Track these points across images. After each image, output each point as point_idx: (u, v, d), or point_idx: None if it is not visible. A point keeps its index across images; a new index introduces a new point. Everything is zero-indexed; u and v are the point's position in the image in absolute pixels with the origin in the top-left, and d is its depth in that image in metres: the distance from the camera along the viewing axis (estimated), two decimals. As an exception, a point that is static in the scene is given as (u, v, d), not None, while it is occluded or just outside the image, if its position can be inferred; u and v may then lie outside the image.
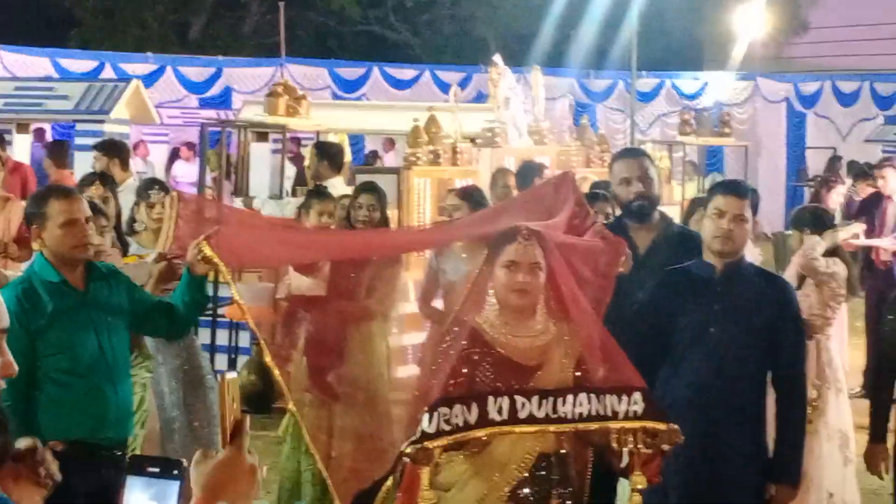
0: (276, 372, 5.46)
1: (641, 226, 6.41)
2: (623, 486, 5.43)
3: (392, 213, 12.24)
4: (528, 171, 11.16)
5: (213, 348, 10.82)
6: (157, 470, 2.54)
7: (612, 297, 5.30)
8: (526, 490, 4.70)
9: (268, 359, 5.42)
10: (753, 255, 16.09)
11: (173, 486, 2.51)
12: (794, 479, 5.84)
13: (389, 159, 22.22)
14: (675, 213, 15.85)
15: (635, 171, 6.47)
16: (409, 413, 4.68)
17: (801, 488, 7.43)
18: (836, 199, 13.41)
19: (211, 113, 22.37)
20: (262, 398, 10.68)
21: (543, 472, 4.73)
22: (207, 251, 5.28)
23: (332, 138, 15.14)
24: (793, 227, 8.24)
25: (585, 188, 8.86)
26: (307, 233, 6.98)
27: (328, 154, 11.95)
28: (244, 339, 11.20)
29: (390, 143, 22.99)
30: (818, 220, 8.15)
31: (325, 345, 7.05)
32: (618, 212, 7.01)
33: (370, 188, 8.30)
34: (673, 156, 19.24)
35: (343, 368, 7.01)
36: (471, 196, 8.53)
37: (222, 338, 11.10)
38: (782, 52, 33.14)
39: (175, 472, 2.53)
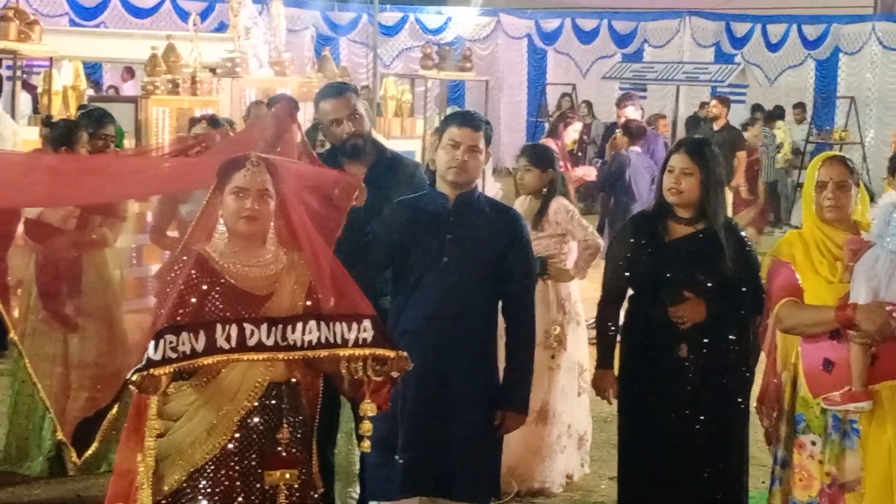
0: (-1, 304, 5.30)
1: (356, 161, 6.42)
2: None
3: (130, 143, 12.04)
4: (276, 104, 11.07)
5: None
6: None
7: (344, 228, 5.31)
8: (256, 419, 4.68)
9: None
10: (494, 189, 16.48)
11: None
12: (521, 405, 5.96)
13: (129, 89, 21.80)
14: (416, 147, 16.07)
15: (344, 110, 6.42)
16: (142, 343, 4.58)
17: (543, 422, 7.71)
18: (571, 135, 13.69)
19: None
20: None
21: (274, 401, 4.71)
22: None
23: (67, 66, 14.73)
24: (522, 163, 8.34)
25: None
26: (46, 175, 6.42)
27: None
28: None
29: (129, 73, 22.55)
30: (540, 158, 8.29)
31: (59, 274, 6.89)
32: None
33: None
34: (415, 90, 19.35)
35: (79, 298, 6.86)
36: (218, 123, 8.45)
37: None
38: (524, -11, 33.58)
39: None
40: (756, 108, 23.26)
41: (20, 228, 6.81)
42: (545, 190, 8.16)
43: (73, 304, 6.80)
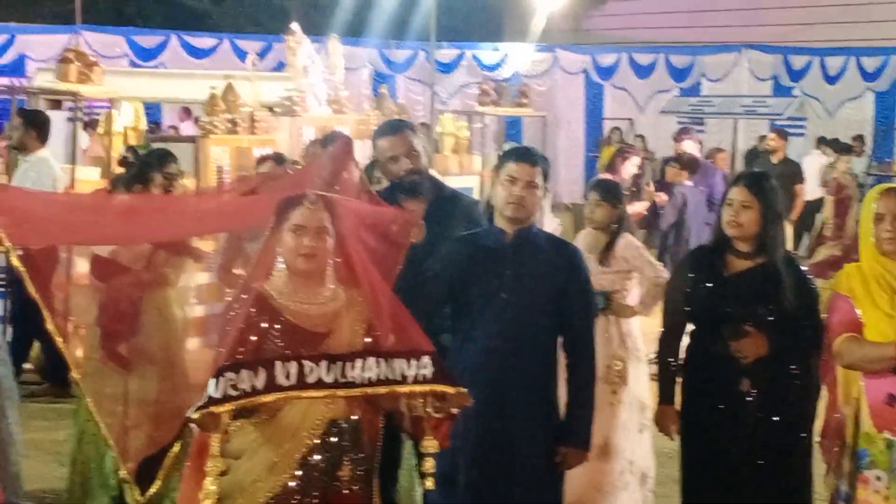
0: (59, 340, 5.34)
1: (414, 198, 6.42)
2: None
3: (190, 182, 12.13)
4: (331, 141, 11.11)
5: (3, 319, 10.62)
6: None
7: (403, 265, 5.32)
8: (317, 457, 4.68)
9: (50, 326, 5.30)
10: (552, 224, 16.40)
11: None
12: (583, 441, 5.93)
13: (186, 129, 21.95)
14: (474, 183, 16.07)
15: (401, 147, 6.46)
16: (203, 381, 4.61)
17: (605, 457, 7.67)
18: (629, 169, 13.65)
19: (2, 80, 21.73)
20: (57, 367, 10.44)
21: (335, 439, 4.72)
22: None
23: (126, 106, 14.89)
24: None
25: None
26: (107, 215, 6.45)
27: (35, 123, 11.14)
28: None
29: (186, 113, 22.73)
30: (611, 193, 8.27)
31: (119, 313, 6.93)
32: None
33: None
34: (473, 126, 19.37)
35: (137, 338, 6.90)
36: (283, 162, 8.50)
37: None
38: (580, 25, 33.55)
39: None
40: (822, 140, 23.14)
41: (85, 268, 6.87)
42: (614, 226, 8.14)
43: (130, 344, 6.85)
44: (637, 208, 13.62)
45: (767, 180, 6.16)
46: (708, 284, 6.04)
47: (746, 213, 5.97)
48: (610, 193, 8.26)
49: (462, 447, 5.60)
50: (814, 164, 22.22)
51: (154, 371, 6.81)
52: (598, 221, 8.21)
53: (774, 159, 17.97)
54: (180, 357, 6.81)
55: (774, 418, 5.90)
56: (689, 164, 13.15)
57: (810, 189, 21.35)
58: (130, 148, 11.71)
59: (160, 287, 7.18)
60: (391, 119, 9.31)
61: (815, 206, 21.11)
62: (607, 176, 12.13)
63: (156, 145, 11.73)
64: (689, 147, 13.93)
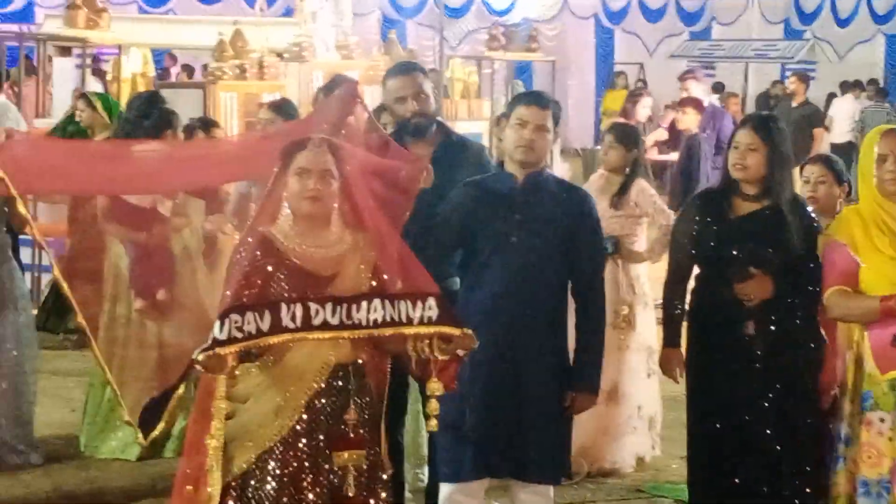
0: (65, 286, 5.35)
1: (419, 140, 6.41)
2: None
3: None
4: (335, 86, 11.06)
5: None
6: None
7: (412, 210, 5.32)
8: (323, 400, 4.70)
9: (56, 273, 5.32)
10: (562, 169, 16.38)
11: None
12: (592, 386, 5.96)
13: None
14: (483, 129, 16.05)
15: (410, 88, 6.39)
16: (210, 324, 4.62)
17: (613, 402, 7.71)
18: (642, 112, 13.62)
19: (12, 27, 21.66)
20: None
21: (340, 383, 4.73)
22: None
23: (135, 53, 14.87)
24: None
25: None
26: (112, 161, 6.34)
27: None
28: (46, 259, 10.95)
29: (172, 60, 22.68)
30: (626, 136, 8.25)
31: (155, 262, 6.94)
32: None
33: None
34: (482, 72, 19.31)
35: (173, 282, 6.92)
36: (282, 109, 8.45)
37: (25, 256, 10.83)
38: (591, -31, 33.36)
39: None
40: (857, 84, 23.12)
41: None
42: (628, 169, 8.12)
43: (165, 289, 6.85)
44: (655, 137, 13.57)
45: (775, 122, 6.14)
46: (714, 227, 6.04)
47: (752, 155, 5.95)
48: (624, 136, 8.24)
49: (471, 392, 5.63)
50: (845, 108, 22.20)
51: (183, 315, 6.84)
52: (611, 164, 8.20)
53: (794, 102, 18.04)
54: (201, 300, 6.83)
55: (780, 361, 5.90)
56: (693, 106, 13.11)
57: (840, 133, 21.36)
58: (83, 95, 11.54)
59: (181, 230, 7.22)
60: (403, 61, 9.29)
61: (843, 149, 21.16)
62: (620, 120, 12.13)
63: (165, 92, 11.68)
64: (694, 88, 13.88)
